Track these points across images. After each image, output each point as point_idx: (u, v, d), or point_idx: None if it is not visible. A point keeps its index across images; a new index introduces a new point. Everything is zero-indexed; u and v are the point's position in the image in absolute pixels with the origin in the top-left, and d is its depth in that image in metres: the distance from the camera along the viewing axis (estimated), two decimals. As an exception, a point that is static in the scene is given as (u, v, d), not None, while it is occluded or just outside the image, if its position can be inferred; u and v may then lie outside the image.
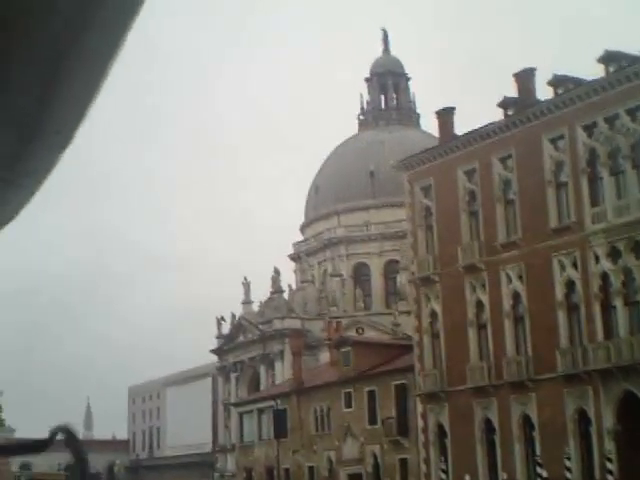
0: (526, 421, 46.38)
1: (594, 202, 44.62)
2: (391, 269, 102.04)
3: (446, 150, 52.05)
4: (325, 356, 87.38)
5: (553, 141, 46.71)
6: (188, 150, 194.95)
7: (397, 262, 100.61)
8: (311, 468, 60.50)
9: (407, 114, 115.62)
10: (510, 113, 49.54)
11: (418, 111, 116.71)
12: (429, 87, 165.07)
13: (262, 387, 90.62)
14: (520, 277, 47.42)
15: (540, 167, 46.78)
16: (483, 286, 49.38)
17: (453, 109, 53.51)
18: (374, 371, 55.77)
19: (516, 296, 47.75)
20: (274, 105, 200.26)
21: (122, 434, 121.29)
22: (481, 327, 49.66)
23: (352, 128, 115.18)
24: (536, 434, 45.63)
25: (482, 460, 48.17)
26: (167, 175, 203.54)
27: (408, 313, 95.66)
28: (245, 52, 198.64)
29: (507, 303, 47.88)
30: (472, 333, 49.64)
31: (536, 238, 46.48)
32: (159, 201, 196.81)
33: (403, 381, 53.65)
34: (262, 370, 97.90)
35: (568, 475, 40.01)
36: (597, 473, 42.32)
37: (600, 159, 44.61)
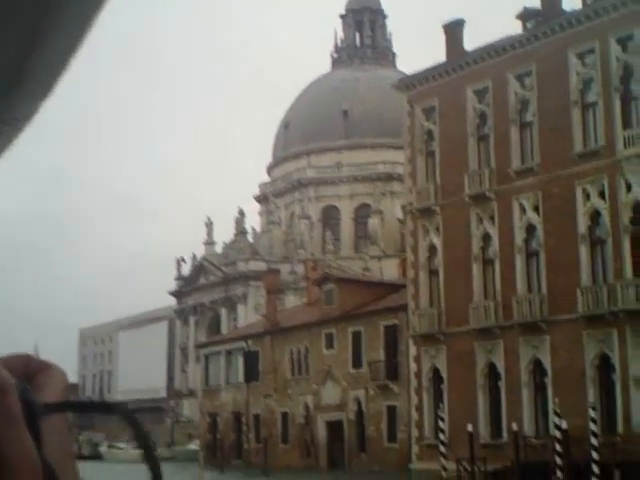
0: (537, 366, 41.77)
1: (626, 124, 39.67)
2: (362, 213, 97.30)
3: (454, 67, 46.70)
4: (290, 300, 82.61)
5: (581, 56, 41.57)
6: (150, 86, 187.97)
7: (369, 206, 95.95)
8: (285, 414, 55.60)
9: (383, 53, 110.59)
10: (530, 26, 44.32)
11: (394, 50, 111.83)
12: (407, 26, 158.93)
13: (223, 331, 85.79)
14: (536, 208, 42.53)
15: (565, 85, 41.69)
16: (492, 218, 44.44)
17: (462, 22, 48.07)
18: (361, 310, 50.77)
19: (530, 229, 42.89)
20: (245, 38, 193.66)
21: (71, 377, 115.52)
22: (487, 263, 44.80)
23: (325, 66, 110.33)
24: (548, 381, 41.04)
25: (484, 408, 43.56)
26: (130, 114, 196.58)
27: (379, 258, 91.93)
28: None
29: (519, 237, 43.01)
30: (477, 269, 44.76)
31: (556, 164, 41.53)
32: (121, 142, 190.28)
33: (394, 322, 48.73)
34: (223, 313, 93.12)
35: (593, 427, 35.38)
36: (620, 426, 37.84)
37: (635, 75, 39.62)
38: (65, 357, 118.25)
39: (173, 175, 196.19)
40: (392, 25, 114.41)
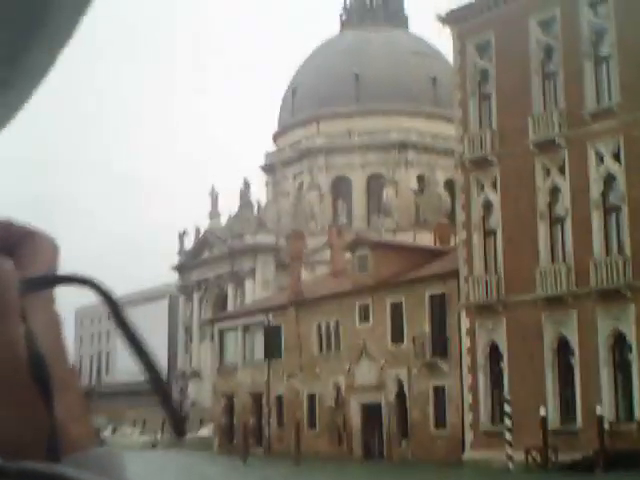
0: (619, 341, 35.67)
1: None
2: (375, 184, 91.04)
3: (513, -5, 40.40)
4: (305, 275, 76.64)
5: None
6: (149, 61, 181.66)
7: (382, 176, 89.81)
8: (312, 396, 49.42)
9: (395, 14, 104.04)
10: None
11: (406, 13, 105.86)
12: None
13: (229, 308, 79.84)
14: (616, 155, 36.34)
15: (652, 10, 35.46)
16: (562, 168, 38.24)
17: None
18: (402, 279, 44.56)
19: (609, 180, 36.72)
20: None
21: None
22: (556, 221, 38.64)
23: (333, 29, 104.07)
24: (633, 358, 34.97)
25: (553, 390, 37.45)
26: (125, 84, 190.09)
27: (394, 231, 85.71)
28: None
29: (596, 190, 36.81)
30: (543, 229, 38.57)
31: (642, 104, 35.36)
32: (122, 119, 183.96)
33: (442, 290, 42.52)
34: (230, 289, 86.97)
35: None
36: None
37: None
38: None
39: (173, 147, 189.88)
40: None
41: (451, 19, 43.11)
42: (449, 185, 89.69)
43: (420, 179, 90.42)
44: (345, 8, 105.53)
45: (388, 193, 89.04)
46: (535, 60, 39.52)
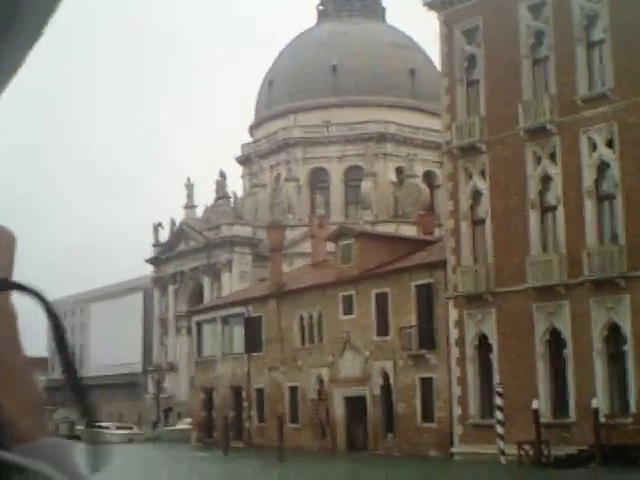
0: (613, 332, 34.87)
1: None
2: (353, 175, 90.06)
3: (503, -21, 39.44)
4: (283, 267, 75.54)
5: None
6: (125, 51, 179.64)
7: (360, 168, 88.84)
8: (294, 389, 48.38)
9: (372, 6, 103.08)
10: None
11: (383, 4, 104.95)
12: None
13: (206, 301, 78.63)
14: (609, 142, 35.51)
15: (646, -6, 34.66)
16: (552, 155, 37.37)
17: None
18: (387, 268, 43.58)
19: (603, 167, 35.89)
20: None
21: (40, 352, 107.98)
22: (547, 210, 37.77)
23: (309, 20, 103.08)
24: (628, 349, 34.19)
25: (545, 382, 36.59)
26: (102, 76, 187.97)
27: (372, 224, 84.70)
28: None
29: (589, 177, 35.98)
30: (534, 217, 37.70)
31: (636, 89, 34.55)
32: (94, 108, 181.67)
33: (428, 281, 41.59)
34: (206, 282, 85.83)
35: None
36: None
37: None
38: (33, 331, 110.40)
39: (149, 139, 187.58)
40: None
41: (437, 4, 42.06)
42: (428, 177, 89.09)
43: (399, 171, 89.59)
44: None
45: (367, 185, 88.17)
46: (525, 45, 38.62)
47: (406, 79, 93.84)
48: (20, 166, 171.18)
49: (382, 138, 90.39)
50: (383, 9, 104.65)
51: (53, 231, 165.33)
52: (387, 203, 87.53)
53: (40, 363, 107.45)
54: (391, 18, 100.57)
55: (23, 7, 0.74)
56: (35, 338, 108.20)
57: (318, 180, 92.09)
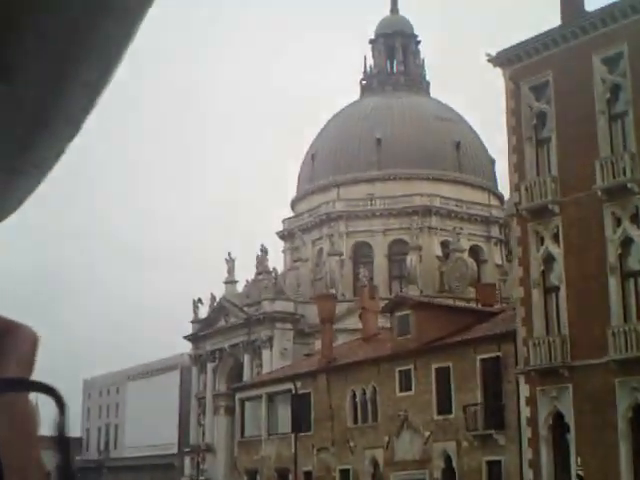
0: None
1: None
2: (397, 250, 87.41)
3: (574, 31, 37.06)
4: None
5: None
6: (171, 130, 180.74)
7: (404, 242, 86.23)
8: (345, 472, 44.91)
9: (416, 80, 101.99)
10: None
11: (427, 78, 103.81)
12: (441, 52, 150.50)
13: (245, 378, 75.57)
14: (698, 201, 32.63)
15: None
16: (634, 217, 34.46)
17: (583, -22, 38.48)
18: (449, 341, 40.46)
19: (692, 229, 32.94)
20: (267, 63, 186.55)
21: (75, 431, 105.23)
22: (629, 275, 34.70)
23: (352, 95, 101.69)
24: None
25: (628, 465, 33.04)
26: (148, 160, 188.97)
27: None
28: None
29: (676, 239, 33.02)
30: (614, 284, 34.58)
31: None
32: (133, 186, 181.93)
33: (496, 353, 38.39)
34: (246, 359, 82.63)
35: None
36: None
37: None
38: (68, 410, 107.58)
39: (188, 214, 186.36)
40: (425, 51, 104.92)
41: (503, 60, 39.73)
42: (474, 252, 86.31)
43: (444, 245, 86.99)
44: (365, 73, 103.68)
45: (412, 259, 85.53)
46: (600, 100, 36.04)
47: (451, 152, 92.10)
48: (60, 250, 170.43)
49: (427, 211, 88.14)
50: (427, 83, 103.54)
51: (93, 311, 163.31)
52: (433, 278, 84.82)
53: (75, 443, 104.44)
54: (435, 93, 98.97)
55: (68, 100, 0.80)
56: (72, 417, 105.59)
57: (361, 254, 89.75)
